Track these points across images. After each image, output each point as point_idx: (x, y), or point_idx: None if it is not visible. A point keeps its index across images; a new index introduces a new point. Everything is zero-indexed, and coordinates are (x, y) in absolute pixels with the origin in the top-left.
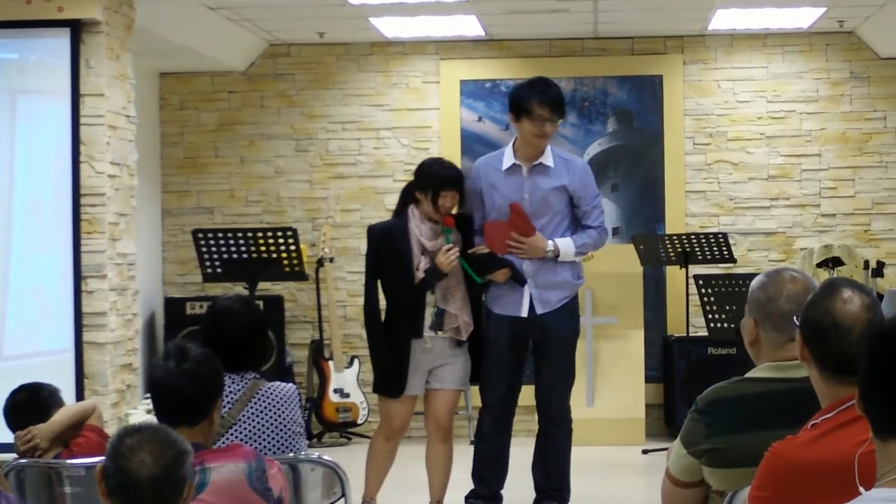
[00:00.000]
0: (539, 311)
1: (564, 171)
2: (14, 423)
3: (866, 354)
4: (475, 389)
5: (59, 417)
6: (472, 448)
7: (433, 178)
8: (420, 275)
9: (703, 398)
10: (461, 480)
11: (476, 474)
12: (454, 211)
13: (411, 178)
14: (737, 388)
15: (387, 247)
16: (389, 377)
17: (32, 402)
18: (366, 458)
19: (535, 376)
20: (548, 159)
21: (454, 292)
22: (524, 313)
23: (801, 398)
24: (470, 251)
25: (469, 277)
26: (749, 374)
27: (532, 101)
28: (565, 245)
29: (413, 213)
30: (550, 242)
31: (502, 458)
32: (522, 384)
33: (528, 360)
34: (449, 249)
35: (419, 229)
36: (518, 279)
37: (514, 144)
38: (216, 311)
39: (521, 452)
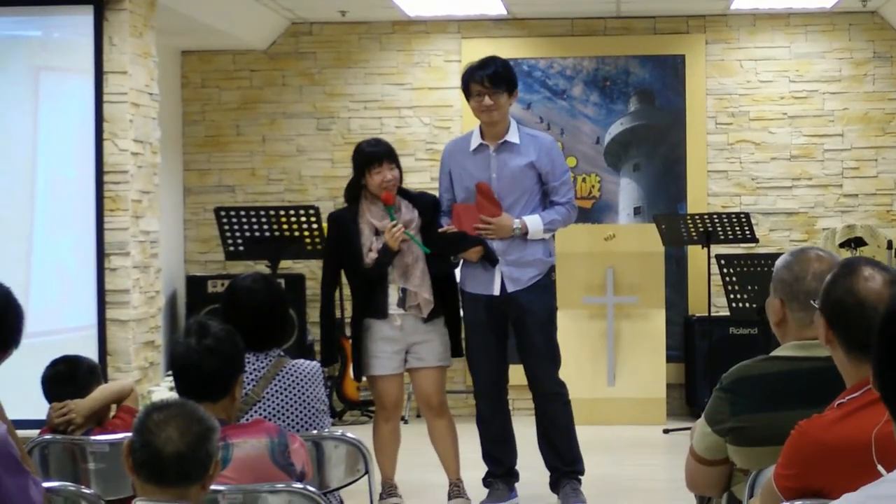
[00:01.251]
0: (510, 289)
1: (532, 148)
2: (51, 395)
3: (878, 336)
4: None
5: (98, 395)
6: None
7: (361, 158)
8: (373, 255)
9: (729, 376)
10: (480, 459)
11: (486, 456)
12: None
13: (432, 157)
14: (762, 367)
15: (340, 233)
16: (353, 361)
17: (71, 374)
18: (373, 445)
19: (520, 357)
20: (514, 136)
21: (412, 270)
22: (496, 291)
23: (826, 377)
24: (440, 230)
25: (435, 255)
26: (774, 353)
27: (468, 81)
28: (533, 223)
29: (365, 196)
30: (517, 221)
31: (507, 436)
32: (509, 363)
33: (510, 338)
34: (393, 227)
35: (370, 211)
36: (490, 258)
37: (480, 125)
38: (235, 289)
39: (532, 431)
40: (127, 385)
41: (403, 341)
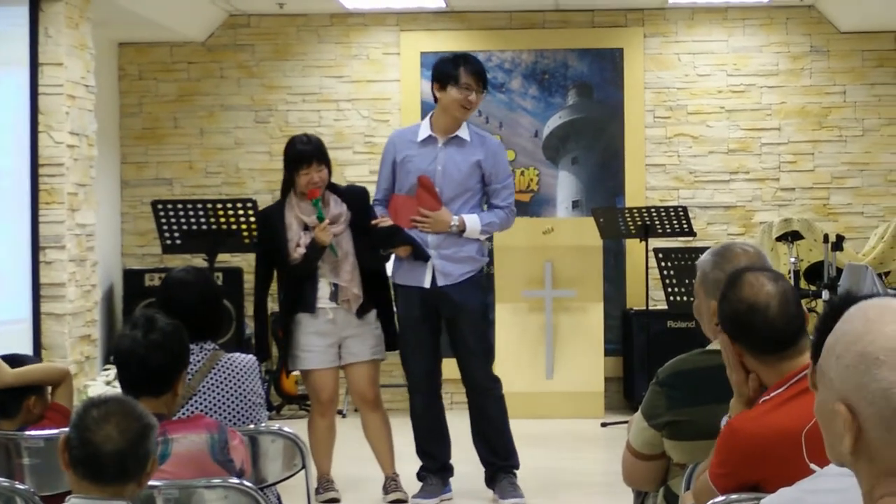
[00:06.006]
0: (440, 283)
1: (480, 148)
2: None
3: (818, 332)
4: None
5: (15, 372)
6: None
7: (290, 156)
8: (301, 250)
9: (665, 370)
10: (415, 453)
11: (420, 451)
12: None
13: (371, 150)
14: (698, 361)
15: (267, 229)
16: (281, 354)
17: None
18: (308, 440)
19: (453, 352)
20: (464, 133)
21: (342, 265)
22: (426, 284)
23: None
24: (373, 222)
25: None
26: (710, 346)
27: (460, 69)
28: (471, 222)
29: (293, 192)
30: (455, 218)
31: (441, 430)
32: (442, 356)
33: (443, 333)
34: (325, 225)
35: (299, 207)
36: (420, 255)
37: (431, 117)
38: (169, 282)
39: (468, 425)
40: (55, 370)
41: (336, 335)
